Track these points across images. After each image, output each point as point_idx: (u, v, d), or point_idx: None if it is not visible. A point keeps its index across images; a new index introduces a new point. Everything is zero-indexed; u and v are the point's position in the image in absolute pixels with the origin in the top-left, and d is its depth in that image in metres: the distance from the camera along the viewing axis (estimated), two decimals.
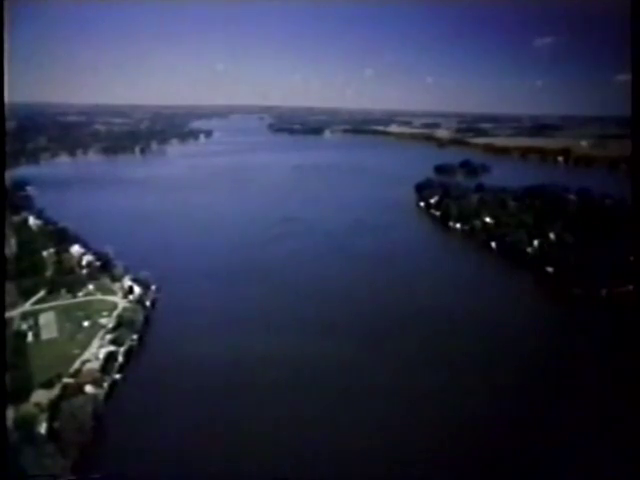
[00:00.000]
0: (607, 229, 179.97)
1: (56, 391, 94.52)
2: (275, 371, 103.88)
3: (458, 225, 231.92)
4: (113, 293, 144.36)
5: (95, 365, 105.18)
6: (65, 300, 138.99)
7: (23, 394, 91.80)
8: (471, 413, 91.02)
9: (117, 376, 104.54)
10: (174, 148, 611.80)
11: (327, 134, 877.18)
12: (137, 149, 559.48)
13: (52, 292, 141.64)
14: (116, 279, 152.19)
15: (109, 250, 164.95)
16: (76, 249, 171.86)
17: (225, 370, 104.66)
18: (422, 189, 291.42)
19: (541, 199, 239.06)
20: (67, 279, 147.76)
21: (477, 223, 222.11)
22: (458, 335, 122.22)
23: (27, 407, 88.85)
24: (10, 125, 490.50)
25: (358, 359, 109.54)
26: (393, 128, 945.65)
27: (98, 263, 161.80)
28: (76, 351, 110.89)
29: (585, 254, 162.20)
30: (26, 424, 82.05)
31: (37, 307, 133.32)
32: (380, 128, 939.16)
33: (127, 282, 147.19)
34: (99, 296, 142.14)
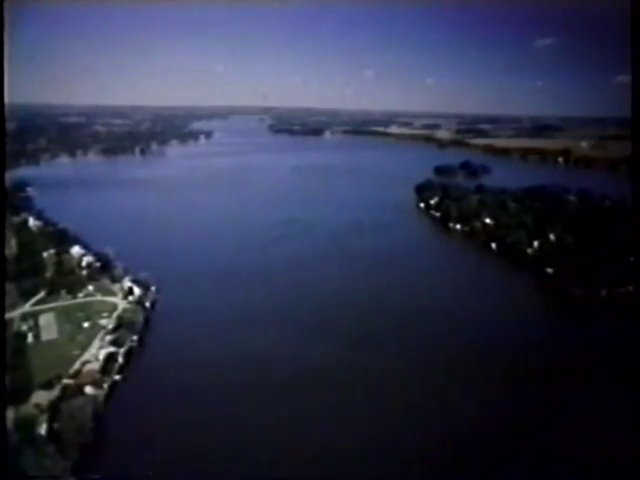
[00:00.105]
0: (607, 230, 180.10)
1: (56, 392, 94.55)
2: (275, 371, 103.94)
3: (458, 226, 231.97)
4: (113, 294, 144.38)
5: (95, 366, 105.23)
6: (65, 301, 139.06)
7: (23, 395, 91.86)
8: (471, 413, 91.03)
9: (117, 377, 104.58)
10: (174, 149, 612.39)
11: (327, 135, 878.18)
12: (137, 150, 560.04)
13: (52, 293, 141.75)
14: (116, 280, 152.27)
15: (109, 251, 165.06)
16: (76, 250, 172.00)
17: (225, 370, 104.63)
18: (422, 190, 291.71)
19: (541, 200, 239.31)
20: (67, 280, 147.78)
21: (477, 224, 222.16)
22: (458, 335, 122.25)
23: (27, 408, 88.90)
24: (10, 126, 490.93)
25: (358, 359, 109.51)
26: (393, 129, 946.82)
27: (98, 264, 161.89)
28: (76, 352, 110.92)
29: (585, 255, 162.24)
30: (26, 425, 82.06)
31: (37, 308, 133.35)
32: (380, 129, 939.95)
33: (127, 283, 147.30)
34: (99, 297, 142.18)
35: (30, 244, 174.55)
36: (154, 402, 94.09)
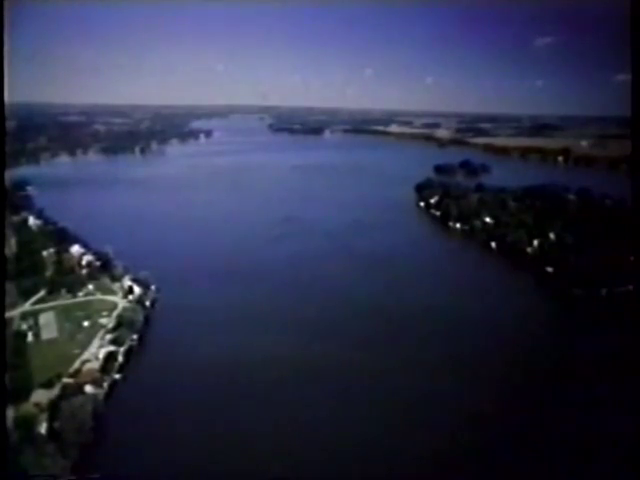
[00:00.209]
0: (607, 229, 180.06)
1: (56, 391, 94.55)
2: (275, 371, 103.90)
3: (458, 225, 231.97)
4: (113, 293, 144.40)
5: (95, 365, 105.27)
6: (65, 300, 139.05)
7: (23, 394, 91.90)
8: (471, 413, 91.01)
9: (117, 376, 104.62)
10: (174, 148, 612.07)
11: (327, 134, 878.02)
12: (137, 149, 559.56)
13: (52, 292, 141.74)
14: (116, 279, 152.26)
15: (109, 250, 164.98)
16: (76, 249, 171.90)
17: (225, 370, 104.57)
18: (422, 189, 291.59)
19: (541, 199, 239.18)
20: (67, 279, 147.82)
21: (477, 223, 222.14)
22: (458, 334, 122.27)
23: (27, 407, 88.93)
24: (10, 125, 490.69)
25: (358, 359, 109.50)
26: (393, 128, 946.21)
27: (98, 263, 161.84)
28: (76, 351, 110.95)
29: (585, 254, 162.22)
30: (26, 424, 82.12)
31: (37, 307, 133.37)
32: (380, 128, 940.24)
33: (127, 282, 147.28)
34: (99, 296, 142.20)
35: (30, 243, 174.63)
36: (154, 401, 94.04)
